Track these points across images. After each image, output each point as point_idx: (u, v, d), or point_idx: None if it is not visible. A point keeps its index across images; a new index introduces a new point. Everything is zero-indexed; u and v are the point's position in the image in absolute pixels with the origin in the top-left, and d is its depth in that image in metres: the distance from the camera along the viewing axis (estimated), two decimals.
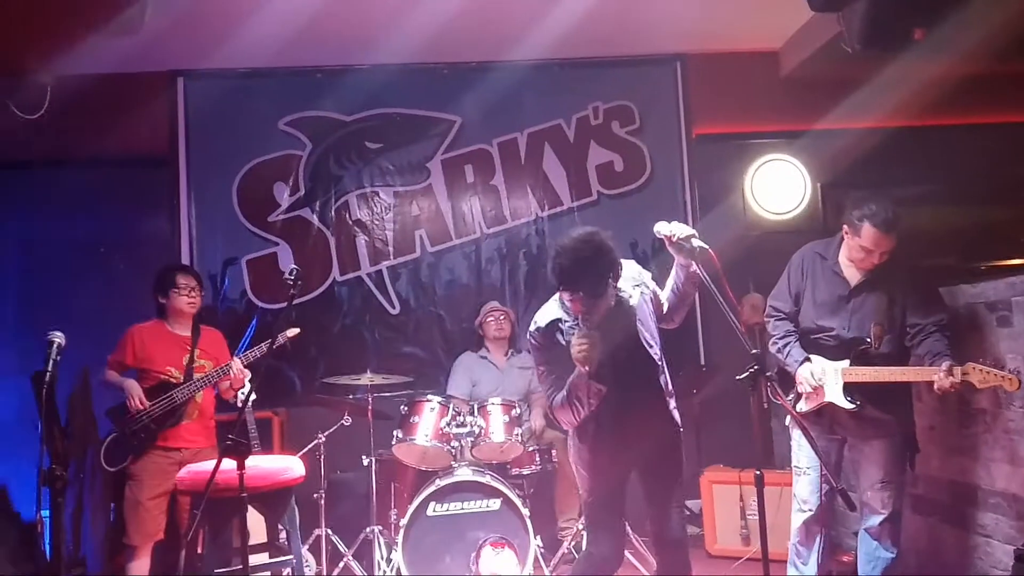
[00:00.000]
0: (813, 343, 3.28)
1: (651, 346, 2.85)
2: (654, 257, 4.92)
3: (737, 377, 2.55)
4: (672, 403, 2.91)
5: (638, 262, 3.06)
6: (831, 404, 3.19)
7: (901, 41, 4.01)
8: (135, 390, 3.74)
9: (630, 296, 2.86)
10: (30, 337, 3.58)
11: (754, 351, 2.53)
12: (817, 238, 3.51)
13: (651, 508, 2.92)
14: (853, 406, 3.14)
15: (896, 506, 3.17)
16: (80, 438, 4.30)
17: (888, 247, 3.12)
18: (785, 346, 3.31)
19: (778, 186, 5.49)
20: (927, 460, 3.57)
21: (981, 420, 3.39)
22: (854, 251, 3.19)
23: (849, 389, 3.15)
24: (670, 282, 2.95)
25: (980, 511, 3.39)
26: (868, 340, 3.16)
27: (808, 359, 3.24)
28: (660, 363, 2.88)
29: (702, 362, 5.24)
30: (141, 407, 3.72)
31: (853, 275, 3.25)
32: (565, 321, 2.82)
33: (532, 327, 2.88)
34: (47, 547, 3.81)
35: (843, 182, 5.36)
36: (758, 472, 2.57)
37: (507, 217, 5.32)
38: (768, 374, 2.53)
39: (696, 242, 2.72)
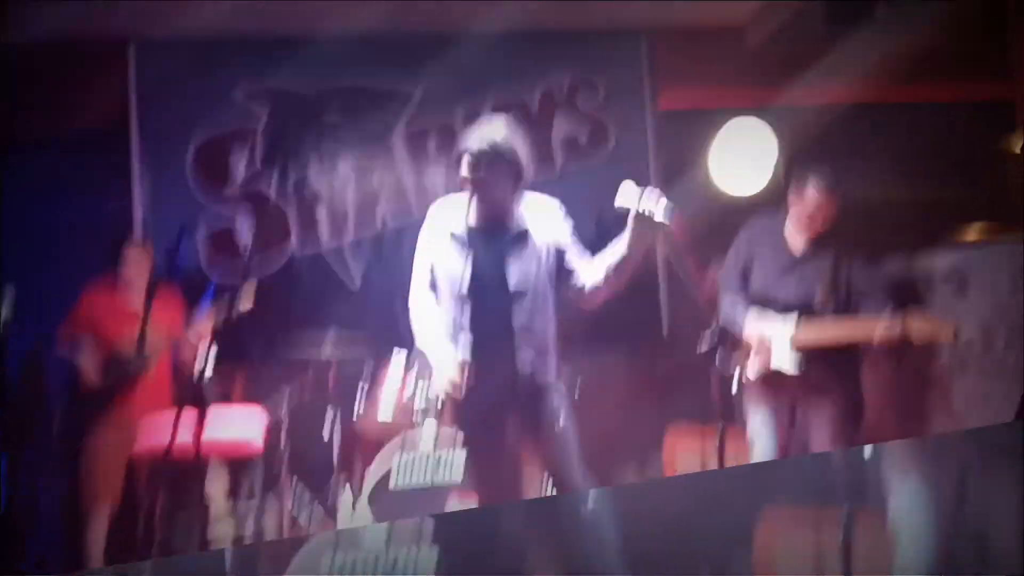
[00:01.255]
0: (761, 312, 3.35)
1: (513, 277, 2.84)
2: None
3: (698, 351, 2.60)
4: (528, 354, 2.85)
5: (599, 238, 3.04)
6: (778, 371, 3.27)
7: (863, 17, 4.05)
8: (86, 363, 3.70)
9: (525, 229, 2.88)
10: None
11: (714, 324, 2.58)
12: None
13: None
14: (799, 369, 3.24)
15: None
16: (34, 409, 4.26)
17: (830, 210, 3.22)
18: (733, 310, 3.42)
19: (741, 162, 5.51)
20: (874, 430, 3.64)
21: (930, 392, 3.46)
22: (799, 217, 3.29)
23: (795, 354, 3.24)
24: (604, 259, 2.87)
25: None
26: (814, 307, 3.25)
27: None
28: (522, 303, 2.84)
29: (664, 333, 5.28)
30: (93, 380, 3.69)
31: (798, 244, 3.35)
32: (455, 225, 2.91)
33: (426, 220, 3.01)
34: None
35: (806, 158, 5.38)
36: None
37: None
38: (725, 344, 2.60)
39: (659, 217, 2.67)
